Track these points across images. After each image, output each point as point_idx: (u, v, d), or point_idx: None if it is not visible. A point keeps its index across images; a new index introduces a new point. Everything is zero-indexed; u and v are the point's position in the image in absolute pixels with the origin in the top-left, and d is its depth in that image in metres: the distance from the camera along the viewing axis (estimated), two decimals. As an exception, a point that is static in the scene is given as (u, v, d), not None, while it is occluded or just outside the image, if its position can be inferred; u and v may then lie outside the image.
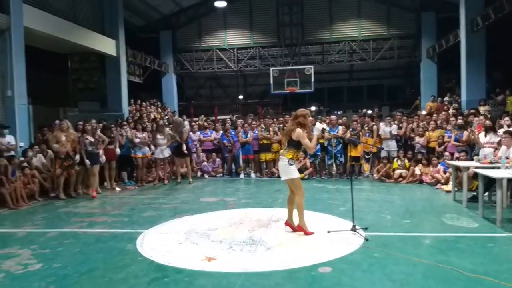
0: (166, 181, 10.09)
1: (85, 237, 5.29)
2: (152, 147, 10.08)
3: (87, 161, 8.38)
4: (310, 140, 5.09)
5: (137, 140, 9.76)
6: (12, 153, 8.19)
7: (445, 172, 8.53)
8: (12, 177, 7.54)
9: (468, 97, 13.58)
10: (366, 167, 10.52)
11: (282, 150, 5.35)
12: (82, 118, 10.05)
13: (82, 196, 8.47)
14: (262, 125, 10.93)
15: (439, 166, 8.86)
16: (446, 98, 15.23)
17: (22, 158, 8.31)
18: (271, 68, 18.77)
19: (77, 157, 8.37)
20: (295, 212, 5.11)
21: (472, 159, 7.55)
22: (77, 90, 15.70)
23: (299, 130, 4.94)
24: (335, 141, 10.10)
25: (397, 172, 9.52)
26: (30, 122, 9.71)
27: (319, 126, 5.26)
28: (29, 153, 8.45)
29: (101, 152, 8.76)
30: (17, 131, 9.05)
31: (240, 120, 12.27)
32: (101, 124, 9.58)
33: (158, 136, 9.95)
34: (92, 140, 8.52)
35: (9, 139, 8.36)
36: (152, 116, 15.00)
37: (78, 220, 6.28)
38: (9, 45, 9.18)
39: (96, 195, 8.38)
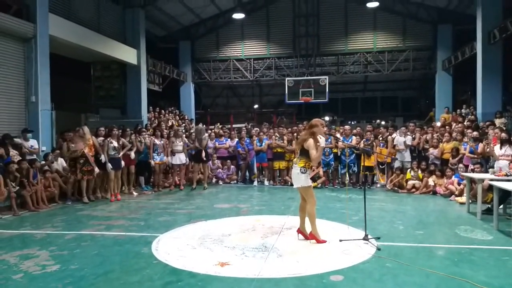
0: (181, 187, 10.26)
1: (102, 240, 5.42)
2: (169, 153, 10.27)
3: (109, 165, 8.59)
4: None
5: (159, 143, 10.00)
6: (34, 156, 8.45)
7: (459, 184, 8.47)
8: (34, 180, 7.78)
9: (483, 109, 13.44)
10: (381, 177, 10.49)
11: (295, 159, 5.41)
12: (103, 125, 10.31)
13: (100, 200, 8.67)
14: (277, 134, 11.03)
15: (453, 177, 8.79)
16: (463, 111, 15.10)
17: (43, 162, 8.57)
18: (287, 78, 18.93)
19: (102, 157, 8.55)
20: (307, 220, 5.15)
21: (487, 171, 7.49)
22: (98, 97, 16.07)
23: (310, 140, 4.98)
24: (349, 150, 10.13)
25: (410, 182, 9.48)
26: (52, 127, 9.97)
27: (323, 141, 5.13)
28: (49, 157, 8.71)
29: (132, 154, 9.06)
30: (40, 136, 9.32)
31: (256, 128, 12.40)
32: (120, 130, 9.80)
33: (175, 142, 10.15)
34: (116, 145, 8.76)
35: (32, 143, 8.63)
36: (170, 123, 15.24)
37: (96, 223, 6.44)
38: (34, 52, 9.50)
39: (115, 199, 8.58)
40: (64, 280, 3.92)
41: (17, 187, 7.44)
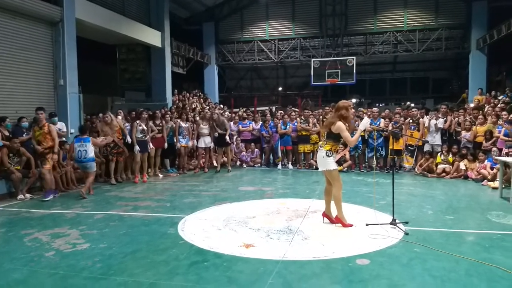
0: (206, 170, 10.34)
1: (130, 220, 5.54)
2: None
3: (137, 147, 8.71)
4: (352, 132, 5.01)
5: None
6: (63, 139, 8.66)
7: (492, 168, 8.17)
8: (63, 162, 7.99)
9: (519, 90, 12.84)
10: (410, 160, 10.20)
11: (321, 142, 5.32)
12: (128, 107, 10.45)
13: (127, 182, 8.85)
14: (302, 117, 10.90)
15: (485, 161, 8.49)
16: (498, 94, 14.35)
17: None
18: (312, 59, 18.57)
19: (128, 138, 8.71)
20: (332, 204, 5.08)
21: (522, 156, 7.18)
22: (124, 80, 16.27)
23: (339, 123, 4.85)
24: (376, 134, 9.90)
25: (440, 167, 9.22)
26: (80, 110, 10.17)
27: (366, 121, 5.18)
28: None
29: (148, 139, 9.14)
30: (68, 118, 9.52)
31: (280, 111, 12.29)
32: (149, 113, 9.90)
33: (202, 125, 10.19)
34: (145, 128, 8.89)
35: (60, 126, 8.83)
36: (194, 106, 15.31)
37: (123, 204, 6.59)
38: (62, 36, 9.62)
39: (139, 180, 8.74)
40: (94, 258, 4.03)
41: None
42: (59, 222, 5.50)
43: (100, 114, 9.20)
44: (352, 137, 4.99)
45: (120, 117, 9.24)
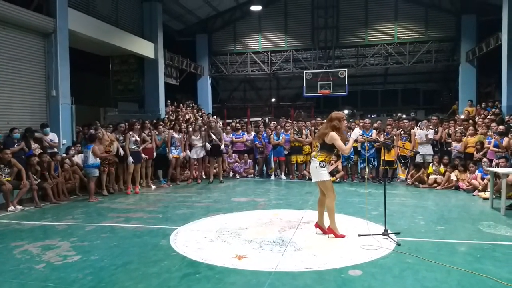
0: (199, 180, 10.31)
1: (122, 232, 5.50)
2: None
3: (130, 159, 8.69)
4: (345, 143, 5.05)
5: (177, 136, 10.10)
6: (55, 150, 8.61)
7: (482, 179, 8.25)
8: (55, 173, 7.94)
9: (509, 102, 13.02)
10: (402, 172, 10.26)
11: (314, 153, 5.35)
12: (121, 118, 10.43)
13: (119, 193, 8.79)
14: (296, 128, 10.95)
15: (476, 172, 8.58)
16: (493, 110, 14.47)
17: (64, 155, 8.73)
18: (305, 71, 18.72)
19: (121, 151, 8.68)
20: (325, 214, 5.09)
21: (511, 166, 7.27)
22: (116, 91, 16.26)
23: (332, 133, 4.89)
24: (369, 144, 9.97)
25: (432, 177, 9.29)
26: (72, 120, 10.13)
27: (357, 131, 5.22)
28: (70, 151, 8.86)
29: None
30: (60, 129, 9.48)
31: (273, 122, 12.35)
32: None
33: (194, 137, 10.19)
34: (138, 139, 8.87)
35: (52, 136, 8.81)
36: (187, 117, 15.32)
37: (115, 215, 6.54)
38: (54, 47, 9.63)
39: (131, 192, 8.69)
40: (85, 270, 3.99)
41: (39, 180, 7.61)
42: (49, 234, 5.44)
43: (91, 130, 9.17)
44: (345, 146, 5.02)
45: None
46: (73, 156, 8.79)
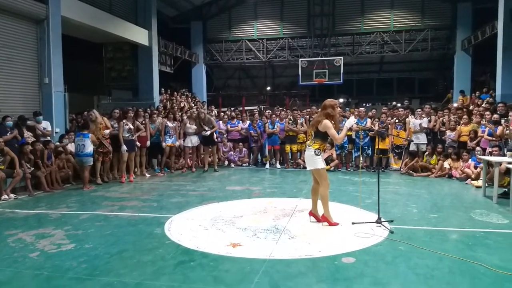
0: (193, 169, 10.31)
1: (116, 220, 5.49)
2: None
3: (124, 147, 8.65)
4: (338, 131, 5.05)
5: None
6: (48, 138, 8.54)
7: (475, 167, 8.32)
8: (48, 161, 7.89)
9: (503, 91, 13.06)
10: (398, 162, 10.26)
11: (309, 141, 5.35)
12: (115, 106, 10.35)
13: (114, 181, 8.78)
14: (291, 116, 10.94)
15: (469, 161, 8.64)
16: (487, 99, 14.49)
17: (58, 143, 8.67)
18: (300, 59, 18.62)
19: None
20: (319, 203, 5.11)
21: (505, 155, 7.32)
22: (110, 79, 16.11)
23: (326, 121, 4.90)
24: (363, 133, 9.99)
25: (425, 164, 9.38)
26: (66, 109, 10.03)
27: (352, 120, 5.23)
28: (64, 140, 8.80)
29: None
30: (53, 117, 9.40)
31: (268, 111, 12.32)
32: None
33: (188, 124, 10.16)
34: (131, 127, 8.81)
35: (45, 125, 8.73)
36: (182, 105, 15.24)
37: (109, 204, 6.53)
38: (47, 34, 9.49)
39: (125, 180, 8.67)
40: (79, 258, 3.99)
41: (32, 168, 7.57)
42: (43, 223, 5.43)
43: (85, 112, 9.10)
44: (338, 134, 5.03)
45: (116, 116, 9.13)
46: (67, 144, 8.73)
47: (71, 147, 8.77)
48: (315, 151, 4.95)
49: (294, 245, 4.32)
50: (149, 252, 4.17)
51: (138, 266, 3.79)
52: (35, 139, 8.14)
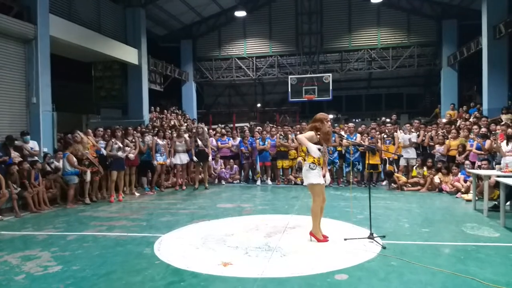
0: (184, 187, 10.22)
1: (104, 241, 5.38)
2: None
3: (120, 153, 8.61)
4: (327, 143, 5.04)
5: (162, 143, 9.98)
6: (35, 158, 8.42)
7: (465, 181, 8.38)
8: (35, 181, 7.76)
9: (489, 105, 13.33)
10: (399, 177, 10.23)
11: (301, 156, 5.37)
12: (104, 125, 10.29)
13: (102, 201, 8.65)
14: (281, 133, 10.96)
15: (459, 174, 8.70)
16: (474, 113, 14.70)
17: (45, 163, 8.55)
18: (289, 76, 18.84)
19: (103, 151, 8.58)
20: (323, 221, 5.07)
21: (493, 168, 7.39)
22: (99, 98, 16.08)
23: (300, 136, 4.98)
24: (353, 148, 10.03)
25: (416, 180, 9.40)
26: (54, 128, 9.94)
27: (316, 150, 4.83)
28: (50, 159, 8.68)
29: (132, 156, 9.03)
30: (41, 137, 9.28)
31: (258, 127, 12.35)
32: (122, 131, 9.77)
33: (177, 142, 10.11)
34: (121, 145, 8.73)
35: (32, 144, 8.61)
36: (172, 123, 15.22)
37: (97, 224, 6.40)
38: (35, 54, 9.46)
39: (114, 199, 8.55)
40: (66, 281, 3.89)
41: (19, 189, 7.42)
42: (30, 244, 5.30)
43: (69, 135, 9.01)
44: (327, 148, 5.02)
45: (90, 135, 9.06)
46: (52, 163, 8.61)
47: (60, 166, 8.63)
48: (309, 165, 4.91)
49: (286, 263, 4.26)
50: (138, 273, 4.08)
51: (126, 287, 3.70)
52: (22, 159, 8.01)
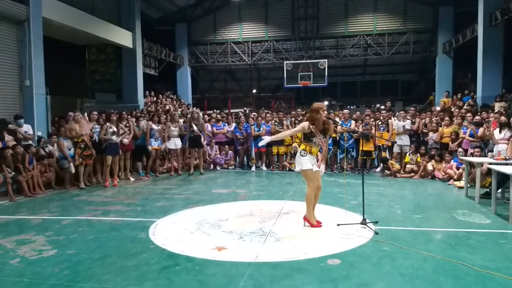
0: (179, 172, 10.22)
1: (99, 225, 5.40)
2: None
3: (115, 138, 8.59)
4: (327, 132, 5.14)
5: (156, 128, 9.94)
6: (30, 142, 8.37)
7: (458, 168, 8.46)
8: (29, 166, 7.72)
9: (483, 93, 13.38)
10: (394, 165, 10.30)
11: (299, 142, 5.46)
12: (98, 109, 10.21)
13: (97, 185, 8.64)
14: (276, 119, 10.95)
15: (452, 162, 8.78)
16: (468, 101, 14.76)
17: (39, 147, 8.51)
18: (285, 62, 18.73)
19: (96, 136, 8.55)
20: (317, 207, 5.13)
21: (486, 156, 7.47)
22: (94, 81, 15.92)
23: (302, 123, 5.08)
24: (347, 135, 10.07)
25: (408, 166, 9.47)
26: (48, 112, 9.86)
27: (267, 139, 5.43)
28: (44, 144, 8.63)
29: (126, 141, 9.00)
30: (35, 121, 9.22)
31: (254, 113, 12.32)
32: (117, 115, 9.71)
33: (172, 127, 10.08)
34: (115, 130, 8.68)
35: (26, 128, 8.55)
36: (167, 108, 15.14)
37: (92, 209, 6.41)
38: (28, 35, 9.32)
39: (109, 184, 8.55)
40: (61, 264, 3.90)
41: (13, 173, 7.39)
42: (24, 228, 5.30)
43: (70, 113, 8.94)
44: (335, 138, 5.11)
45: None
46: (46, 146, 8.57)
47: (53, 150, 8.60)
48: (300, 152, 5.04)
49: (280, 248, 4.31)
50: (133, 257, 4.11)
51: (121, 271, 3.73)
52: (15, 143, 7.96)
